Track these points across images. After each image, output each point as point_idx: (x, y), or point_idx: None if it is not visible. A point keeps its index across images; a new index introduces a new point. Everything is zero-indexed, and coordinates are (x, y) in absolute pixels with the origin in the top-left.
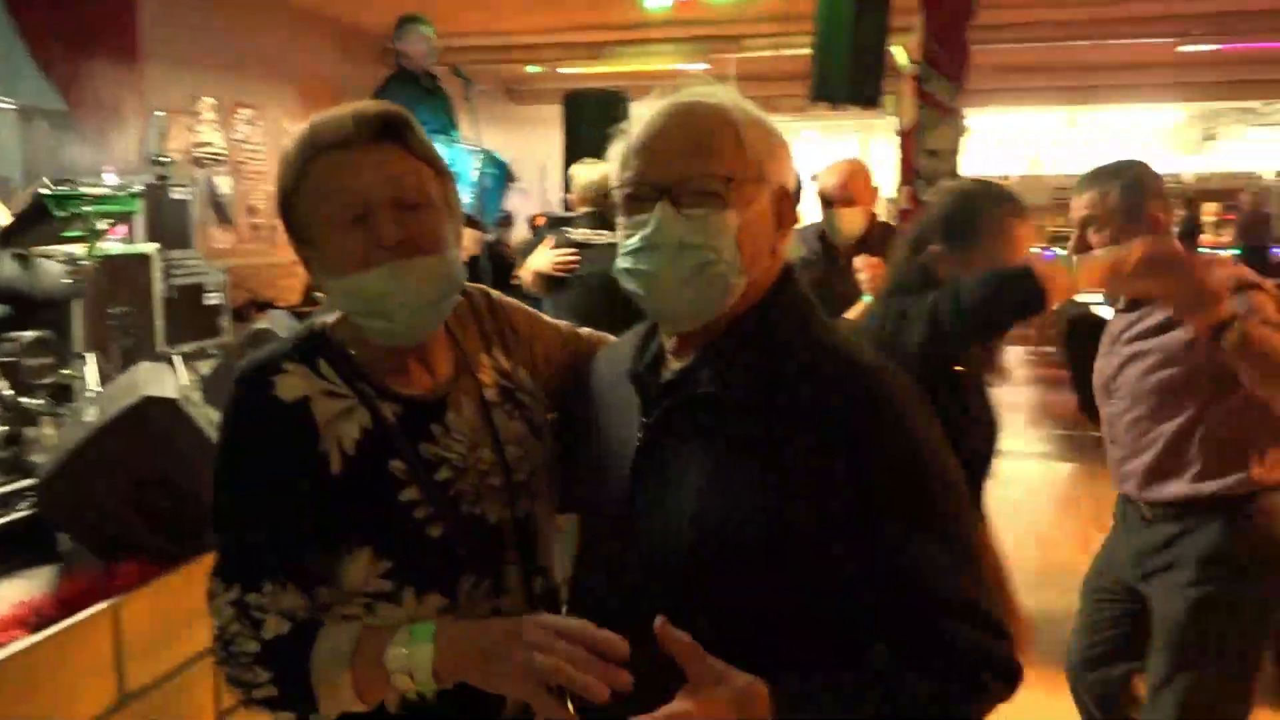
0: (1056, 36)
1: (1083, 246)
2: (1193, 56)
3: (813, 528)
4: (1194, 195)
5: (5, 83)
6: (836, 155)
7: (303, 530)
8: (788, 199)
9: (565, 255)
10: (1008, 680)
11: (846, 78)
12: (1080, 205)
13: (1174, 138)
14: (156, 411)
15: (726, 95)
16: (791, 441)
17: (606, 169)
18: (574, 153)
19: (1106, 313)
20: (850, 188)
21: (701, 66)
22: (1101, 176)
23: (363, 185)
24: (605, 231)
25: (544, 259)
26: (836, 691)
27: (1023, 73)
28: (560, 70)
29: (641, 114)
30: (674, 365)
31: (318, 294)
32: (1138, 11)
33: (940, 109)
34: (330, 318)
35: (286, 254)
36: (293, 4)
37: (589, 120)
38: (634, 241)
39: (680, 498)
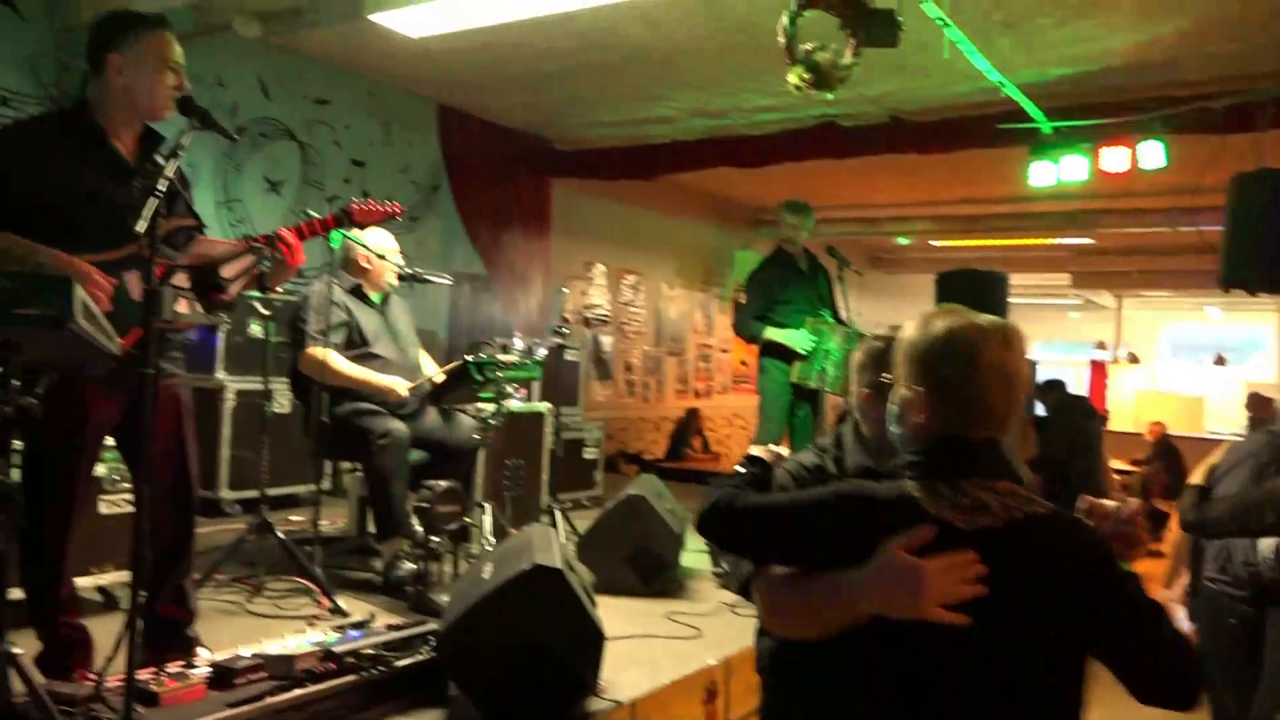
0: None
1: None
2: None
3: None
4: None
5: (445, 257)
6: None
7: None
8: None
9: None
10: None
11: (1263, 264)
12: None
13: None
14: (545, 581)
15: None
16: None
17: None
18: None
19: None
20: None
21: (1085, 240)
22: None
23: None
24: None
25: None
26: None
27: None
28: (932, 242)
29: None
30: None
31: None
32: None
33: None
34: None
35: (655, 410)
36: (675, 181)
37: (962, 299)
38: None
39: None
